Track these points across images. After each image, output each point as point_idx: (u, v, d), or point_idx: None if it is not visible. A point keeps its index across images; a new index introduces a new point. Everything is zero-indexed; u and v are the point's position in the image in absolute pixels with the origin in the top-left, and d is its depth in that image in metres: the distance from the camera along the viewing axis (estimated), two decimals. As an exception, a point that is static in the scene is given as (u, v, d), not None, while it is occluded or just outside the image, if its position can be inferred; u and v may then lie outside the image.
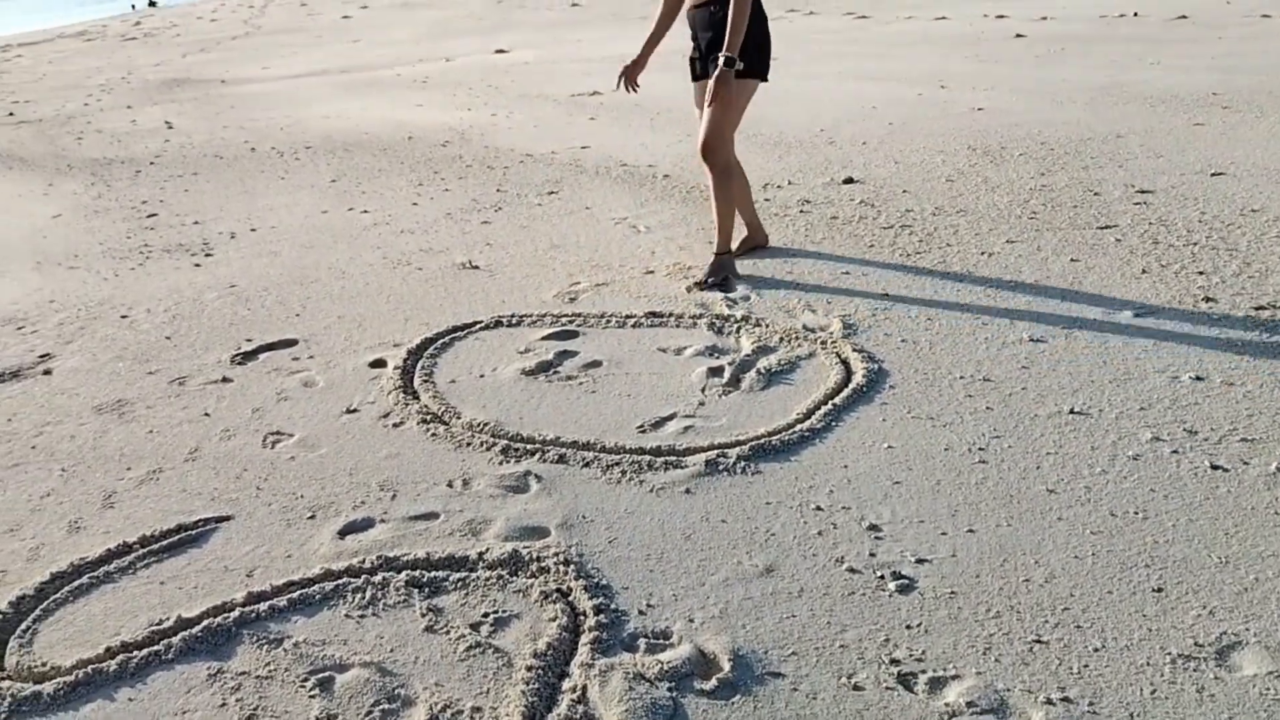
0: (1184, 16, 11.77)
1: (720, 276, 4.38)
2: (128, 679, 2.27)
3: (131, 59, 20.28)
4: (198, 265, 5.38)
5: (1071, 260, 4.26)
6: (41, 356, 4.20)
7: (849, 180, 5.88)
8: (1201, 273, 3.98)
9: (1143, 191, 5.06)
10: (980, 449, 2.90)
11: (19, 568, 2.70)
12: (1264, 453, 2.74)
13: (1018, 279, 4.13)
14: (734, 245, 4.51)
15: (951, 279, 4.21)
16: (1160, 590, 2.26)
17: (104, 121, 11.62)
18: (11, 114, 13.15)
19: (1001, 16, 13.17)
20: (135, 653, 2.33)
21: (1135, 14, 12.41)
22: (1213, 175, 5.21)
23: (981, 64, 9.63)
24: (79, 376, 3.97)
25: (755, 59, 4.22)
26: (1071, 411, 3.05)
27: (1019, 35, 11.40)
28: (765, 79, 4.31)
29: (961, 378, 3.34)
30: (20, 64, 21.67)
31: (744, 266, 4.57)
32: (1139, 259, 4.19)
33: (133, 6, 46.80)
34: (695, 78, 4.44)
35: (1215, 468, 2.69)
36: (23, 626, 2.46)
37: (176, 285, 5.05)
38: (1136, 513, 2.54)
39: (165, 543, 2.78)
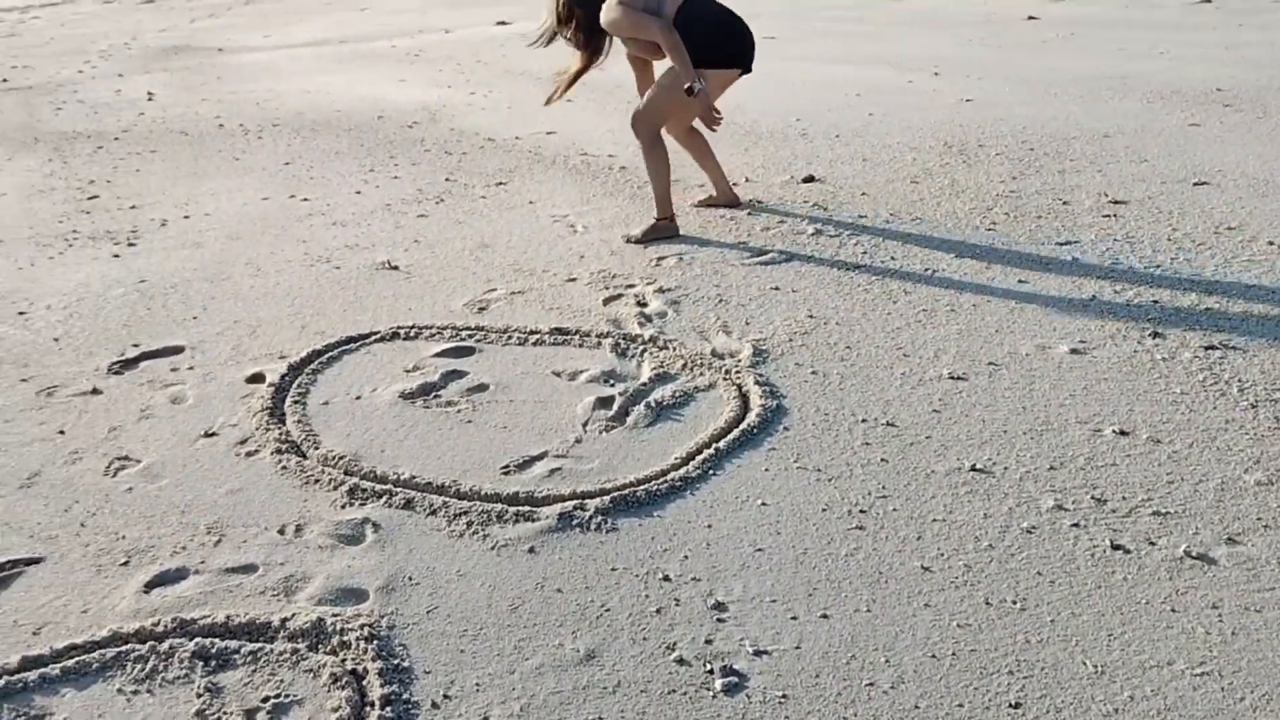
0: (1208, 0, 11.20)
1: (649, 239, 4.67)
2: None
3: (140, 24, 20.08)
4: (117, 256, 5.13)
5: (1019, 282, 3.92)
6: (-82, 357, 3.98)
7: (809, 179, 5.53)
8: (1155, 301, 3.63)
9: (1116, 202, 4.69)
10: (861, 511, 2.60)
11: None
12: (1175, 530, 2.41)
13: (955, 302, 3.79)
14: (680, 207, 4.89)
15: (885, 299, 3.88)
16: (1017, 706, 1.96)
17: (90, 91, 11.42)
18: (5, 80, 12.98)
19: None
20: None
21: (1158, -4, 11.84)
22: (1195, 185, 4.82)
23: (983, 48, 9.18)
24: (-53, 382, 3.74)
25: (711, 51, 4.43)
26: (973, 469, 2.73)
27: (1031, 18, 10.91)
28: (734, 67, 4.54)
29: (864, 421, 3.03)
30: (34, 26, 21.56)
31: (672, 278, 4.27)
32: (1092, 283, 3.84)
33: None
34: None
35: (1116, 547, 2.37)
36: None
37: (87, 279, 4.81)
38: (1014, 601, 2.24)
39: (-42, 590, 2.54)
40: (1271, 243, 4.05)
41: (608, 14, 4.40)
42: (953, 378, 3.24)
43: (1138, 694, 1.97)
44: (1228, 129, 5.77)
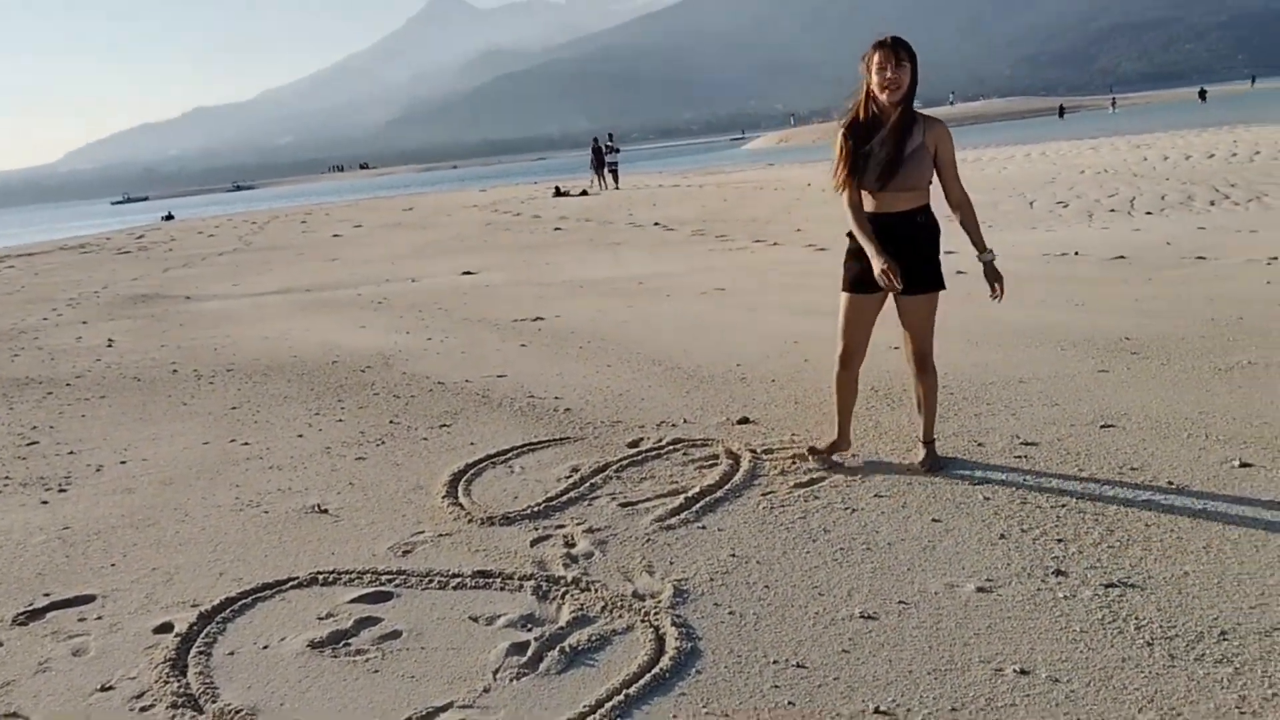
0: (1122, 257, 12.03)
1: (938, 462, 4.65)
2: None
3: (114, 273, 20.79)
4: (45, 503, 5.12)
5: (933, 520, 4.01)
6: None
7: (744, 420, 5.71)
8: (1060, 540, 3.72)
9: (1027, 444, 4.87)
10: (765, 760, 2.54)
11: None
12: (1074, 776, 2.38)
13: (872, 541, 3.86)
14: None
15: (805, 538, 3.94)
16: None
17: (51, 338, 11.68)
18: (-33, 328, 13.24)
19: (950, 252, 13.48)
20: None
21: (1076, 253, 12.71)
22: (1102, 427, 5.04)
23: (912, 299, 9.71)
24: None
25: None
26: (876, 711, 2.71)
27: (959, 272, 11.60)
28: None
29: (775, 662, 3.01)
30: (6, 275, 22.23)
31: (603, 517, 4.32)
32: (1001, 521, 3.94)
33: (164, 217, 49.14)
34: (873, 290, 4.52)
35: (1014, 796, 2.34)
36: None
37: (10, 526, 4.77)
38: None
39: None
40: (1171, 483, 4.21)
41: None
42: (864, 617, 3.25)
43: None
44: (1134, 375, 6.08)
